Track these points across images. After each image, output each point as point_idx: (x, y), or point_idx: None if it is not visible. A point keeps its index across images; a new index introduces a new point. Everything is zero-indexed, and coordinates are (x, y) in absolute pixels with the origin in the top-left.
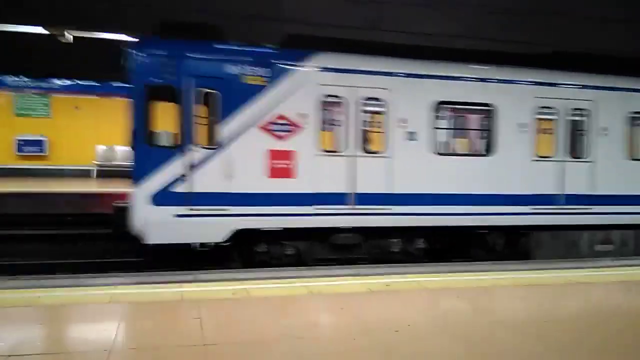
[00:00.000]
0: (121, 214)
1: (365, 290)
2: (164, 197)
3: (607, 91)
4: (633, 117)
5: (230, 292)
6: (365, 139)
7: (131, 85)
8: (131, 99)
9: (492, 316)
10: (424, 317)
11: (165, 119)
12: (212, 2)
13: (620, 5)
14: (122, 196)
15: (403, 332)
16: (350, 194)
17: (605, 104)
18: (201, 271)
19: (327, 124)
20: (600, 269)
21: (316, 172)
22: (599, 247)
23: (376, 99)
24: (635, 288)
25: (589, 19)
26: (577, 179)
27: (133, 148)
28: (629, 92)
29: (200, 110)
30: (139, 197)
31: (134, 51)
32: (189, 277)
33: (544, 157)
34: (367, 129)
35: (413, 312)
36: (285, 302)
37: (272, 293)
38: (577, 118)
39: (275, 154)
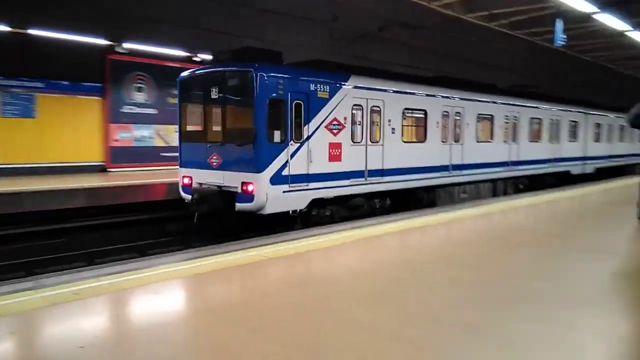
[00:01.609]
0: (218, 196)
1: (48, 304)
2: (276, 179)
3: (468, 101)
4: (478, 116)
5: None
6: (370, 133)
7: (254, 99)
8: (255, 108)
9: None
10: (116, 324)
11: (276, 123)
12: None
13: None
14: None
15: (89, 347)
16: (364, 170)
17: (469, 108)
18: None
19: (355, 123)
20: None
21: (350, 157)
22: (462, 195)
23: (377, 107)
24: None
25: (460, 58)
26: (456, 154)
27: (254, 145)
28: (478, 102)
29: (293, 116)
30: (263, 180)
31: (260, 74)
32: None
33: (445, 142)
34: (372, 126)
35: (104, 320)
36: None
37: None
38: (457, 117)
39: (332, 145)
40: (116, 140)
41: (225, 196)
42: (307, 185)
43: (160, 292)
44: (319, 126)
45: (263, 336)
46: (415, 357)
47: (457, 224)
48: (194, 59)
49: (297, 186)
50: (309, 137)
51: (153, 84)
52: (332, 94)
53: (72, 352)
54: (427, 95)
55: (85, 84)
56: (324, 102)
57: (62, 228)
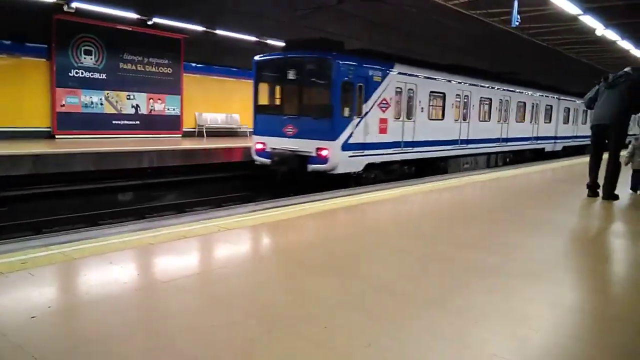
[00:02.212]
0: (295, 158)
1: None
2: (345, 146)
3: (474, 86)
4: (481, 99)
5: None
6: (406, 111)
7: (331, 81)
8: (332, 89)
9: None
10: (69, 294)
11: (346, 101)
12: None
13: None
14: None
15: (41, 317)
16: (401, 141)
17: (474, 92)
18: None
19: (396, 103)
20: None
21: (393, 130)
22: (465, 166)
23: (412, 89)
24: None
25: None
26: (464, 131)
27: (330, 118)
28: (481, 87)
29: (357, 95)
30: (336, 147)
31: (336, 61)
32: None
33: (456, 120)
34: (407, 105)
35: (56, 290)
36: None
37: None
38: (465, 99)
39: (382, 121)
40: (63, 106)
41: (300, 159)
42: (363, 152)
43: (115, 262)
44: (373, 104)
45: (222, 305)
46: (374, 326)
47: (461, 188)
48: (148, 22)
49: (358, 152)
50: (366, 113)
51: (103, 47)
52: (383, 78)
53: (24, 322)
54: (446, 80)
55: (30, 44)
56: (377, 84)
57: (5, 196)
